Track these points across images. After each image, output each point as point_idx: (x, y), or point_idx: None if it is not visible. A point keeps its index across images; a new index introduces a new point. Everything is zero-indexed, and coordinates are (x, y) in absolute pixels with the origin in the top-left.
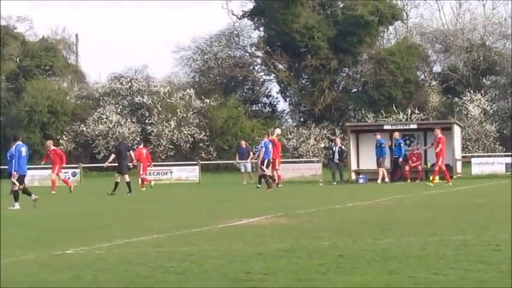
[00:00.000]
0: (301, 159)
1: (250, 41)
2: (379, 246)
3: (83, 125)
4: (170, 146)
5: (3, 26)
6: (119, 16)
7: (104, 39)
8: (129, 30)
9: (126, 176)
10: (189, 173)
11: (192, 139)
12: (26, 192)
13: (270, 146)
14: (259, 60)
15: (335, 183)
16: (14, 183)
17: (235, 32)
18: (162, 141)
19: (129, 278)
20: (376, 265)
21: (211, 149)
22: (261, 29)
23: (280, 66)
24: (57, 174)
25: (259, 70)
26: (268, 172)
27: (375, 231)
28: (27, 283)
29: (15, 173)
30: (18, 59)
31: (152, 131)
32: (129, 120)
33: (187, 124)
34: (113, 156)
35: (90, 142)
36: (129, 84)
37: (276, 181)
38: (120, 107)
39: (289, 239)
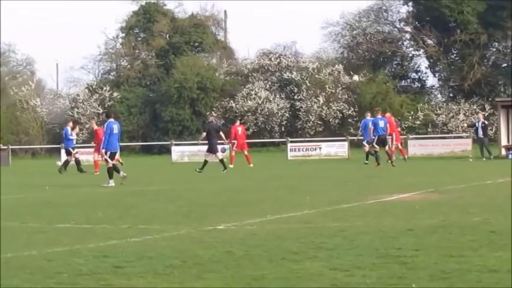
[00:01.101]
0: (450, 135)
1: (398, 16)
2: None
3: (232, 101)
4: (319, 122)
5: (153, 3)
6: None
7: (253, 15)
8: (277, 6)
9: (218, 154)
10: (338, 148)
11: (341, 115)
12: (115, 169)
13: (382, 123)
14: (407, 36)
15: (484, 159)
16: (107, 161)
17: (384, 8)
18: (310, 117)
19: (280, 253)
20: None
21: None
22: (410, 4)
23: (429, 41)
24: (95, 154)
25: (407, 45)
26: (378, 148)
27: None
28: (180, 258)
29: (103, 150)
30: (167, 35)
31: (301, 107)
32: (277, 96)
33: (336, 100)
34: (204, 134)
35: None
36: (278, 60)
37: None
38: (269, 83)
39: (440, 215)
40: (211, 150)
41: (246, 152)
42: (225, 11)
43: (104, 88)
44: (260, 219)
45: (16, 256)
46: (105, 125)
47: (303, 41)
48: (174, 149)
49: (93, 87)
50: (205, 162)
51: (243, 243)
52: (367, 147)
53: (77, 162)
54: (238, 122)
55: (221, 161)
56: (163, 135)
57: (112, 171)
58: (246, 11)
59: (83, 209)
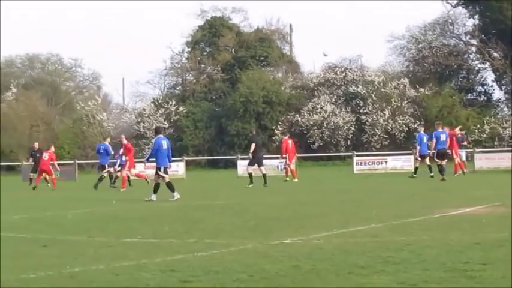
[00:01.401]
0: None
1: (464, 29)
2: None
3: (297, 115)
4: (385, 136)
5: (219, 17)
6: (332, 6)
7: (318, 29)
8: (343, 20)
9: (263, 168)
10: (404, 162)
11: (407, 128)
12: (156, 187)
13: (444, 136)
14: (473, 49)
15: None
16: (163, 177)
17: (450, 21)
18: (376, 130)
19: (347, 267)
20: None
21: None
22: (476, 17)
23: (495, 54)
24: (130, 170)
25: (473, 58)
26: (440, 162)
27: None
28: (247, 272)
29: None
30: (233, 49)
31: (367, 121)
32: (343, 110)
33: (402, 113)
34: (253, 146)
35: (305, 132)
36: (344, 74)
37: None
38: (335, 96)
39: (507, 229)
40: (255, 162)
41: (287, 166)
42: (290, 25)
43: (170, 102)
44: (326, 233)
45: (84, 270)
46: (154, 141)
47: (369, 55)
48: (240, 163)
49: (159, 101)
50: (264, 175)
51: (310, 258)
52: (418, 161)
53: (101, 179)
54: (287, 135)
55: (250, 175)
56: (229, 149)
57: (172, 185)
58: (311, 24)
59: (150, 223)
